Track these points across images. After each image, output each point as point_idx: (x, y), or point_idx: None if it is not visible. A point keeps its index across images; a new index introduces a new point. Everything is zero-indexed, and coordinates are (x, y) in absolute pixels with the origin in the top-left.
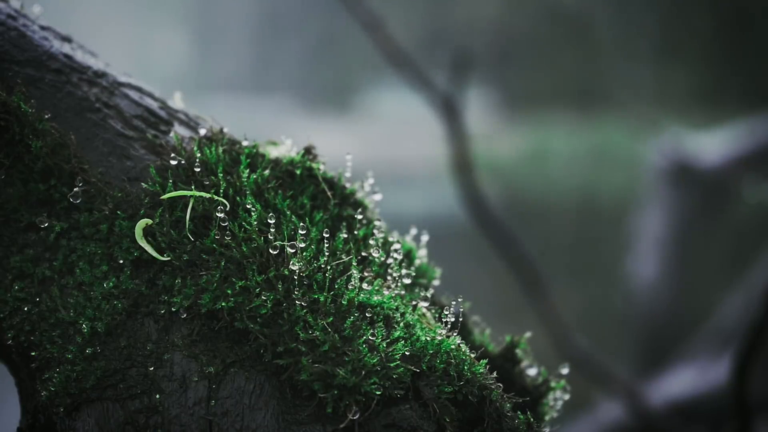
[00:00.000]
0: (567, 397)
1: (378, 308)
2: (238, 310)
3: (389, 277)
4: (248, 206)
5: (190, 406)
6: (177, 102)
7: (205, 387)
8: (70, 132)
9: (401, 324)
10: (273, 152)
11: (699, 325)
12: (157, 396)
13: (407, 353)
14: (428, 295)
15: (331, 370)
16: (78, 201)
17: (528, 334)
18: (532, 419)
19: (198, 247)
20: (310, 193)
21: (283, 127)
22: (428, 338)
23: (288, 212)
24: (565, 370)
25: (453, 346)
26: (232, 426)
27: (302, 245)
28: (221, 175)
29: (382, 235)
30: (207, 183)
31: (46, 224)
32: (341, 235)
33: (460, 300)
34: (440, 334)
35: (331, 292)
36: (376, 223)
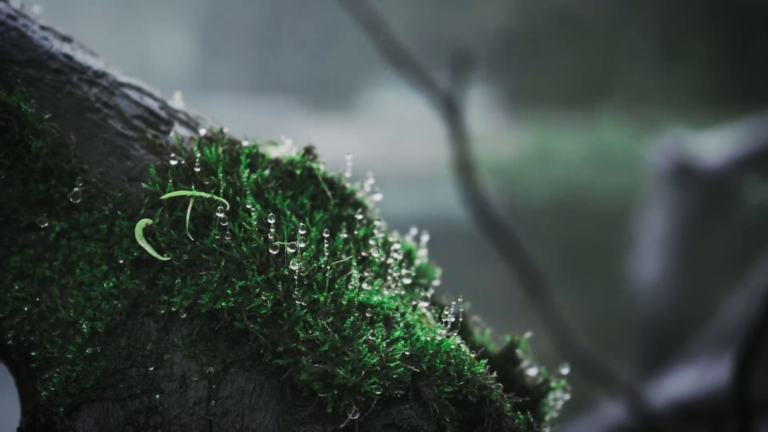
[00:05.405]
0: (567, 397)
1: (378, 308)
2: (238, 310)
3: (389, 277)
4: (248, 206)
5: (190, 406)
6: (177, 102)
7: (205, 387)
8: (70, 132)
9: (401, 324)
10: (273, 152)
11: (701, 325)
12: (157, 396)
13: (407, 353)
14: (428, 295)
15: (331, 370)
16: (78, 201)
17: (528, 334)
18: (532, 419)
19: (198, 247)
20: (310, 193)
21: (285, 128)
22: (428, 338)
23: (288, 212)
24: (565, 370)
25: (453, 346)
26: (232, 426)
27: (302, 245)
28: (221, 175)
29: (382, 235)
30: (207, 183)
31: (46, 224)
32: (341, 235)
33: (460, 300)
34: (440, 334)
35: (331, 292)
36: (376, 223)
